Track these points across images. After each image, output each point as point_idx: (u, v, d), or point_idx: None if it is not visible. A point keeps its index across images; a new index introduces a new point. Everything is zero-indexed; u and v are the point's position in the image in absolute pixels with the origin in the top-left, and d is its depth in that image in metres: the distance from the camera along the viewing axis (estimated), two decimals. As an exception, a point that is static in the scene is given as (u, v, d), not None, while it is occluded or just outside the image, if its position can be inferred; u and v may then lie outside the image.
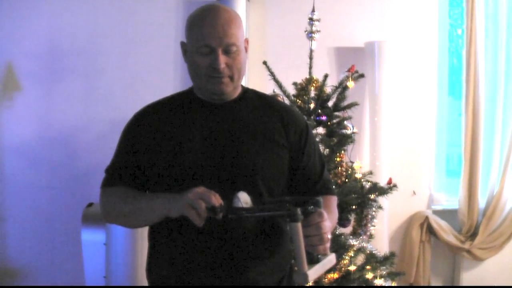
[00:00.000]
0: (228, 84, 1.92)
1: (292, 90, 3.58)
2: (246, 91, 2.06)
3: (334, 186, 2.51)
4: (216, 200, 1.68)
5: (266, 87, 3.56)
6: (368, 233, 3.56)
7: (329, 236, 1.74)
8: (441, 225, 4.62)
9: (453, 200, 4.75)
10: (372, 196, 3.51)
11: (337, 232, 3.43)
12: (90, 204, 3.92)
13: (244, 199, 1.69)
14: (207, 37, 1.86)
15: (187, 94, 2.05)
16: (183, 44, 2.00)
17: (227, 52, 1.88)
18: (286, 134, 1.99)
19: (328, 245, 1.74)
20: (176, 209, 1.73)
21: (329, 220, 1.80)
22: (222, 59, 1.86)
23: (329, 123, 3.49)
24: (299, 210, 1.65)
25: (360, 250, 3.45)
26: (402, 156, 4.64)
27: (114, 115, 4.16)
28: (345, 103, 3.56)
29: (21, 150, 4.43)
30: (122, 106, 4.25)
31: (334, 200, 2.10)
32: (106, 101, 4.44)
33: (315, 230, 1.70)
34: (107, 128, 4.34)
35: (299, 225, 1.64)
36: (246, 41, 1.98)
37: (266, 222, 1.93)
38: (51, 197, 4.43)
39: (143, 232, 2.06)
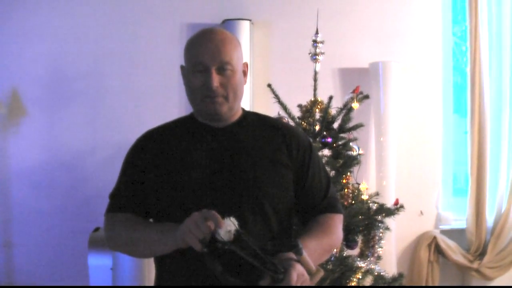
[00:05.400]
0: (223, 104, 1.91)
1: (297, 113, 3.57)
2: (246, 113, 2.06)
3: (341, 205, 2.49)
4: (205, 228, 1.66)
5: (271, 110, 3.56)
6: (376, 255, 3.54)
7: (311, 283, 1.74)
8: (449, 245, 4.59)
9: (461, 219, 4.72)
10: (379, 217, 3.49)
11: (344, 254, 3.41)
12: (97, 229, 3.92)
13: (225, 228, 1.65)
14: (200, 56, 1.88)
15: (189, 119, 2.06)
16: (182, 68, 2.01)
17: (221, 71, 1.88)
18: (289, 153, 1.99)
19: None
20: (181, 238, 1.73)
21: (324, 241, 1.91)
22: (216, 78, 1.87)
23: (334, 145, 3.48)
24: None
25: (368, 271, 3.43)
26: (409, 176, 4.63)
27: (119, 139, 4.16)
28: (351, 124, 3.55)
29: (27, 175, 4.44)
30: (127, 130, 4.20)
31: (337, 218, 2.08)
32: (111, 125, 4.45)
33: None
34: (113, 152, 4.34)
35: None
36: (245, 65, 1.99)
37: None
38: (58, 222, 4.43)
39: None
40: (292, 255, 1.74)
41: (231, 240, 1.65)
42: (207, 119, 1.97)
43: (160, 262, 2.00)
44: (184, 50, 1.97)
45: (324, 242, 1.94)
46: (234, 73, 1.90)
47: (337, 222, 2.07)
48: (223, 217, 1.66)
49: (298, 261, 1.73)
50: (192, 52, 1.91)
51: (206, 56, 1.87)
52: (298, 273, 1.69)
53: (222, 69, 1.88)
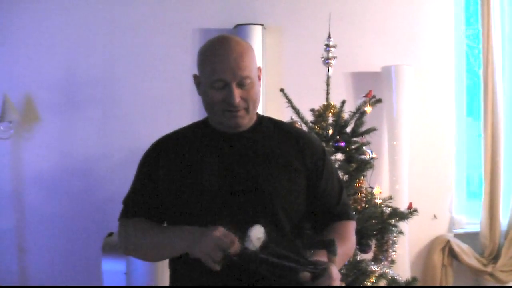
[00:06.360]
0: (244, 117, 1.92)
1: (309, 117, 3.57)
2: (261, 119, 2.06)
3: (353, 211, 2.48)
4: (232, 244, 1.65)
5: (284, 114, 3.56)
6: (390, 259, 3.52)
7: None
8: (463, 249, 4.56)
9: (474, 222, 4.70)
10: (393, 221, 3.48)
11: (358, 258, 3.40)
12: (110, 234, 3.93)
13: (255, 235, 1.65)
14: (220, 72, 1.85)
15: (203, 125, 2.05)
16: (195, 77, 2.00)
17: (241, 85, 1.87)
18: (303, 159, 1.98)
19: None
20: (195, 253, 1.73)
21: (343, 249, 1.85)
22: (237, 93, 1.86)
23: (347, 149, 3.47)
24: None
25: (381, 276, 3.42)
26: (422, 179, 4.60)
27: (132, 144, 4.17)
28: (363, 128, 3.54)
29: (40, 180, 4.46)
30: (140, 135, 4.26)
31: (351, 225, 2.08)
32: (124, 130, 4.47)
33: None
34: (126, 156, 4.36)
35: None
36: (259, 69, 1.98)
37: None
38: (71, 227, 4.45)
39: (164, 261, 2.06)
40: (323, 255, 1.73)
41: (259, 248, 1.65)
42: (225, 128, 1.97)
43: (174, 265, 2.01)
44: (198, 61, 1.95)
45: (342, 249, 1.91)
46: (253, 84, 1.90)
47: (351, 229, 2.07)
48: (243, 229, 1.66)
49: (331, 261, 1.71)
50: (209, 66, 1.88)
51: (226, 73, 1.85)
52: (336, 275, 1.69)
53: (242, 83, 1.87)
